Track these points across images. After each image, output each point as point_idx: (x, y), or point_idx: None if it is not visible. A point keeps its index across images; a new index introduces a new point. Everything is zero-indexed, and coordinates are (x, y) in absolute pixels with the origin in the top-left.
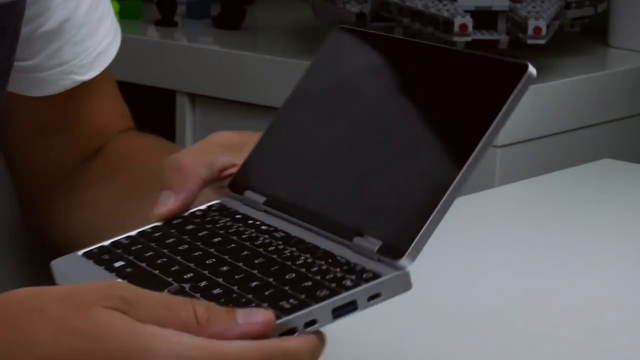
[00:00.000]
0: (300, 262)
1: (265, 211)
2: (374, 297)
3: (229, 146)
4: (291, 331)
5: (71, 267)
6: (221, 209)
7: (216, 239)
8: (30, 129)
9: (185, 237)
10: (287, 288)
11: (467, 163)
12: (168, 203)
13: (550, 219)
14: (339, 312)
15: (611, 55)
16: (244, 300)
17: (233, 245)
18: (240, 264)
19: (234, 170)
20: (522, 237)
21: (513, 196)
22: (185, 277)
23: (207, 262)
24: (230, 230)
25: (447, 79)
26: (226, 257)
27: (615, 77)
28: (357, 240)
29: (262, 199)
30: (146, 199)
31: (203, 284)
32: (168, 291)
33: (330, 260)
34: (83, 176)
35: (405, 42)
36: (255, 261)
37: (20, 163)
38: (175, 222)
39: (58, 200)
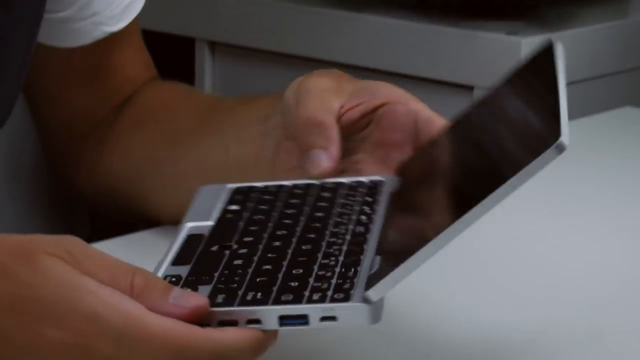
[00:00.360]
0: (325, 261)
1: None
2: (328, 319)
3: (333, 91)
4: (234, 323)
5: (206, 195)
6: (373, 187)
7: (317, 214)
8: (61, 79)
9: (305, 204)
10: (278, 282)
11: (454, 223)
12: (322, 162)
13: (570, 167)
14: (288, 321)
15: (632, 4)
16: (235, 284)
17: (316, 225)
18: (290, 246)
19: (343, 111)
20: (540, 185)
21: None
22: (244, 239)
23: (277, 232)
24: (340, 210)
25: (506, 127)
26: (295, 234)
27: (637, 25)
28: (376, 258)
29: (392, 190)
30: (177, 148)
31: (242, 251)
32: (213, 249)
33: (343, 270)
34: (113, 125)
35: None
36: (303, 247)
37: (50, 113)
38: (325, 184)
39: (87, 149)
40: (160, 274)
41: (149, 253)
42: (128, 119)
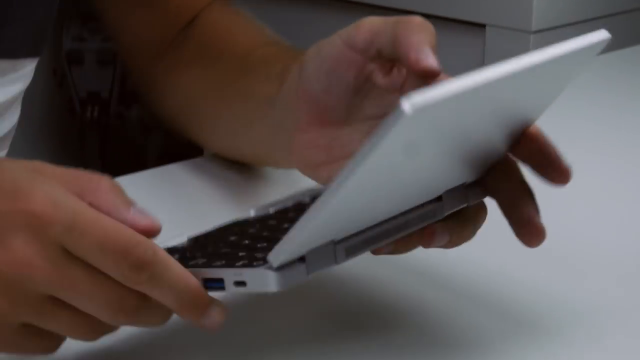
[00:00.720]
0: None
1: None
2: (240, 284)
3: None
4: None
5: (304, 190)
6: None
7: None
8: (122, 5)
9: None
10: (231, 250)
11: (332, 184)
12: (432, 59)
13: (583, 105)
14: (210, 284)
15: None
16: (199, 252)
17: None
18: (287, 225)
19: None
20: (553, 123)
21: None
22: (269, 222)
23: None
24: None
25: None
26: None
27: None
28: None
29: None
30: (215, 99)
31: (250, 230)
32: (230, 227)
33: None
34: (176, 56)
35: None
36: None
37: (119, 39)
38: None
39: (156, 77)
40: (167, 244)
41: (156, 192)
42: (186, 52)
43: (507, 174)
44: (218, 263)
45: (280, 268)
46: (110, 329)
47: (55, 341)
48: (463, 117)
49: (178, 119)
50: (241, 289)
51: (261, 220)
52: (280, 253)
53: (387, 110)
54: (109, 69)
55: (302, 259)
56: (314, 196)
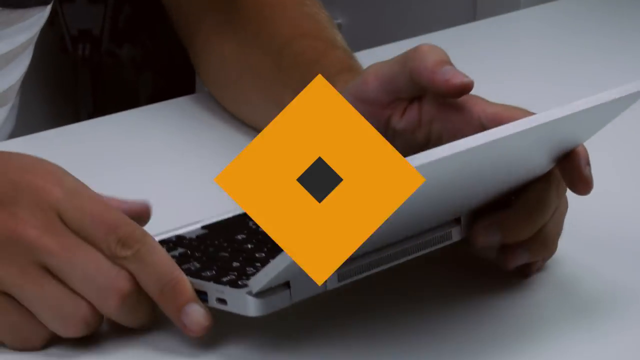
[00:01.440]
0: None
1: None
2: (221, 302)
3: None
4: None
5: None
6: None
7: None
8: None
9: None
10: (227, 261)
11: None
12: (462, 76)
13: (576, 42)
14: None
15: None
16: (201, 254)
17: None
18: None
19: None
20: (548, 59)
21: (538, 19)
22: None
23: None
24: None
25: None
26: None
27: None
28: None
29: None
30: (267, 94)
31: (249, 242)
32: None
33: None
34: (219, 19)
35: None
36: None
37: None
38: None
39: (197, 37)
40: (178, 232)
41: (148, 129)
42: (229, 18)
43: (535, 182)
44: (208, 273)
45: (262, 293)
46: (92, 324)
47: (30, 325)
48: (476, 166)
49: (211, 86)
50: (222, 307)
51: None
52: (262, 280)
53: (415, 149)
54: (100, 6)
55: (287, 284)
56: None
